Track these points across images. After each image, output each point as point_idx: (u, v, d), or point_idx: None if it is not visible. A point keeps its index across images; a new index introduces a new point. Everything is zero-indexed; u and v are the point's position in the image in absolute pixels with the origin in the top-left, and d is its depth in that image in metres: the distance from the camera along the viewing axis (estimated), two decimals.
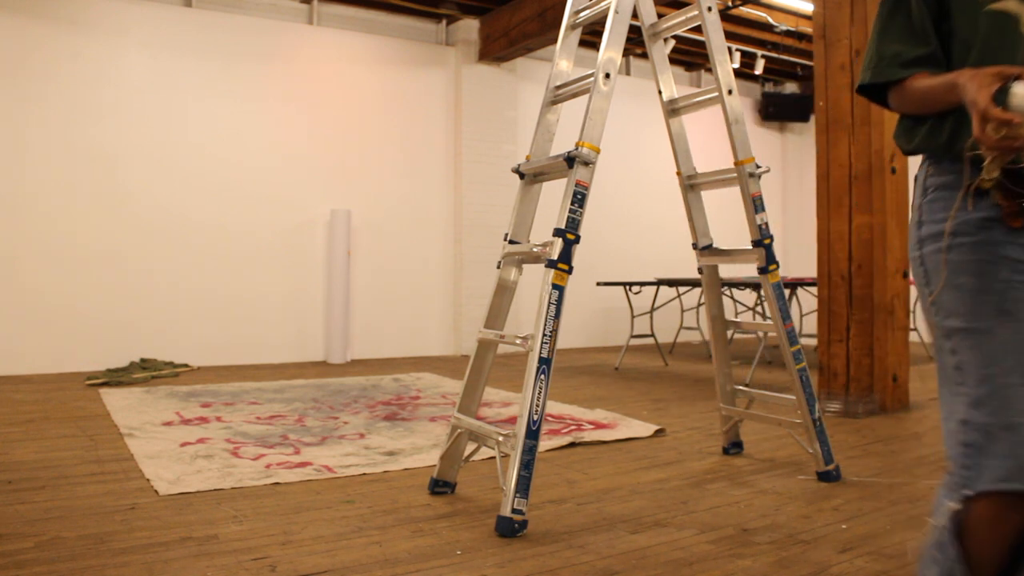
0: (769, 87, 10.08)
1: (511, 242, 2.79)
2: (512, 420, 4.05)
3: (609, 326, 8.59)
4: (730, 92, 3.05)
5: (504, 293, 2.80)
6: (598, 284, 7.14)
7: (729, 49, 7.38)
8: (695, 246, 3.36)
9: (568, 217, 2.50)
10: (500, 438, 2.46)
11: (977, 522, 1.19)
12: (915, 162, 4.99)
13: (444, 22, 7.95)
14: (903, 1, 1.34)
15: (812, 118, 5.75)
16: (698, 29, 3.09)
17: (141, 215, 6.42)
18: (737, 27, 7.84)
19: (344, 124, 7.32)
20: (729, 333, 7.29)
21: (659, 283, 7.07)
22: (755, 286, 6.04)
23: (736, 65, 7.63)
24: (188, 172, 6.61)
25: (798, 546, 2.20)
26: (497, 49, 7.58)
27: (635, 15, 2.95)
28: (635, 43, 7.77)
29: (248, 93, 6.87)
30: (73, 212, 6.18)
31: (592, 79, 2.63)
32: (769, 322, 3.12)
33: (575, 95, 2.83)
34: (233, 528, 2.36)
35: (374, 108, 7.47)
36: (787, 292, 6.03)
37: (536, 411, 2.35)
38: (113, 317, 6.27)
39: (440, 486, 2.77)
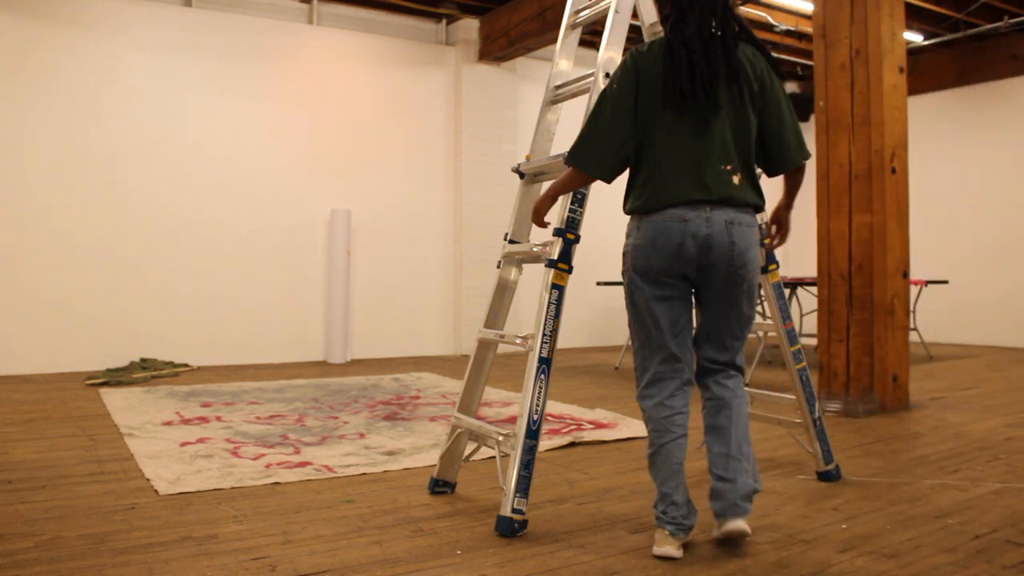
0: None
1: (511, 242, 2.79)
2: (512, 420, 4.05)
3: (609, 326, 8.59)
4: None
5: (504, 293, 2.80)
6: (598, 284, 7.14)
7: None
8: None
9: (568, 217, 2.50)
10: (500, 438, 2.46)
11: None
12: (915, 162, 4.93)
13: (444, 22, 7.95)
14: None
15: (812, 118, 5.75)
16: None
17: (141, 215, 6.42)
18: None
19: (344, 124, 7.32)
20: None
21: None
22: None
23: None
24: (188, 172, 6.61)
25: (798, 546, 2.20)
26: (497, 49, 7.57)
27: (635, 15, 2.95)
28: (635, 43, 7.76)
29: (248, 93, 6.87)
30: (73, 212, 6.18)
31: (592, 79, 2.63)
32: (769, 322, 3.12)
33: (575, 95, 2.82)
34: (233, 528, 2.36)
35: (374, 108, 7.47)
36: (787, 292, 6.04)
37: (536, 411, 2.35)
38: (113, 317, 6.27)
39: (440, 486, 2.77)
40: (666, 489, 2.15)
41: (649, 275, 2.16)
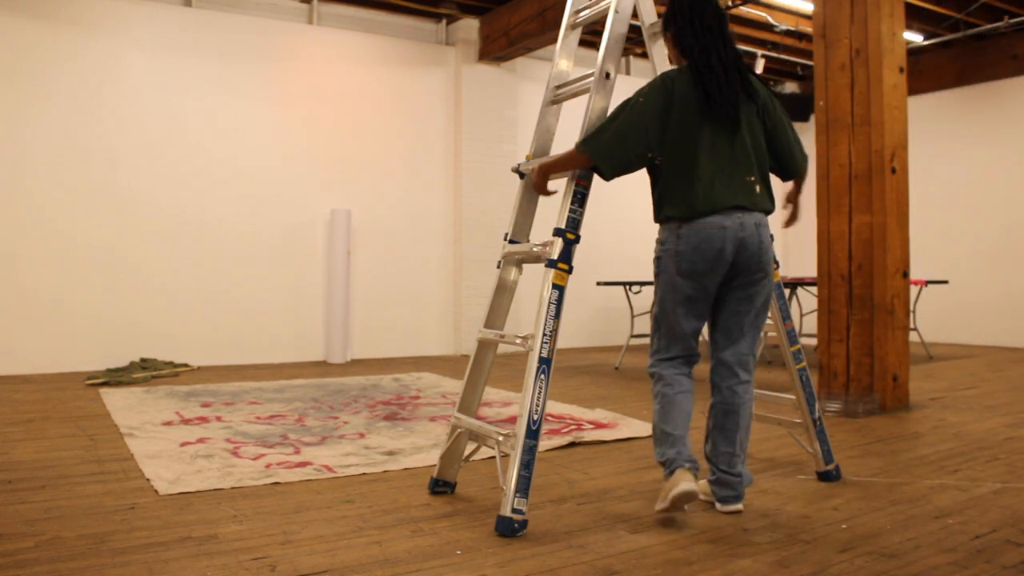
0: (769, 87, 10.08)
1: (511, 242, 2.79)
2: (512, 420, 4.05)
3: (609, 326, 8.59)
4: None
5: (504, 293, 2.80)
6: (598, 284, 7.14)
7: None
8: None
9: (568, 217, 2.50)
10: (500, 438, 2.46)
11: None
12: (915, 162, 4.95)
13: (444, 22, 7.95)
14: None
15: (812, 118, 5.75)
16: None
17: (141, 215, 6.42)
18: (737, 27, 7.84)
19: (344, 124, 7.32)
20: None
21: None
22: None
23: None
24: (188, 172, 6.61)
25: (798, 546, 2.20)
26: (497, 49, 7.57)
27: (635, 15, 2.95)
28: (635, 43, 7.78)
29: (248, 93, 6.87)
30: (73, 212, 6.18)
31: (592, 78, 2.63)
32: (769, 322, 3.12)
33: (575, 95, 2.82)
34: (233, 528, 2.36)
35: (374, 108, 7.48)
36: (787, 292, 6.03)
37: (536, 411, 2.35)
38: (113, 317, 6.28)
39: (440, 486, 2.77)
40: (680, 432, 2.42)
41: (692, 276, 2.43)
